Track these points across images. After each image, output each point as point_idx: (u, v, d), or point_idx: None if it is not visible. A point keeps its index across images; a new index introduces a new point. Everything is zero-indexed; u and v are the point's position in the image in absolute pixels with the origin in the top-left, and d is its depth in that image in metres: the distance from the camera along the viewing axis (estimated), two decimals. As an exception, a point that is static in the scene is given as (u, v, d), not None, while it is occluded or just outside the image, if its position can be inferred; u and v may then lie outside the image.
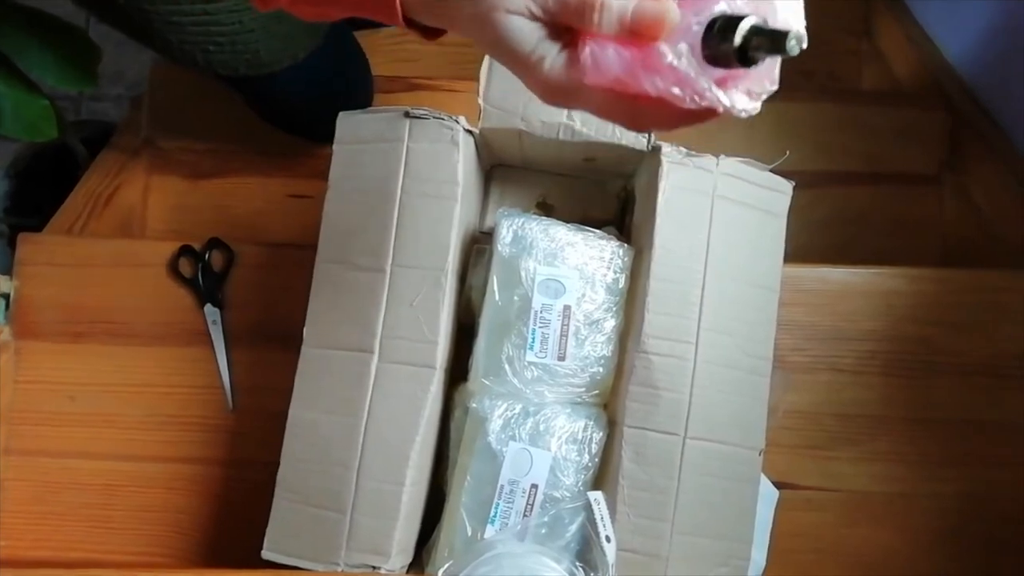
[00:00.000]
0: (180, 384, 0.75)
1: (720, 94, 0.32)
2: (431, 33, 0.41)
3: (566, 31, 0.35)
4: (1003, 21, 0.88)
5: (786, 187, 0.66)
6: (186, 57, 0.73)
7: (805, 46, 0.30)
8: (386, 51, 1.06)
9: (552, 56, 0.35)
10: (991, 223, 0.88)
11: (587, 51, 0.34)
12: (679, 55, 0.32)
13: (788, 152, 0.65)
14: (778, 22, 0.32)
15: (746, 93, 0.34)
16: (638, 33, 0.33)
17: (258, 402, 0.74)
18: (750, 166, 0.65)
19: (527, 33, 0.35)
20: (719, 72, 0.33)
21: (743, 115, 0.34)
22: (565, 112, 0.67)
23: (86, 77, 0.77)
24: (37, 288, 0.76)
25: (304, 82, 0.83)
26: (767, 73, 0.34)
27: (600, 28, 0.33)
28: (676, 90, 0.33)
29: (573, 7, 0.34)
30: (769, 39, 0.31)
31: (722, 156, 0.64)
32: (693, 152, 0.64)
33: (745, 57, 0.32)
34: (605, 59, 0.34)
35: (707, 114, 0.34)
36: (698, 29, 0.32)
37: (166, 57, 0.75)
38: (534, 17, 0.35)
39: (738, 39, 0.31)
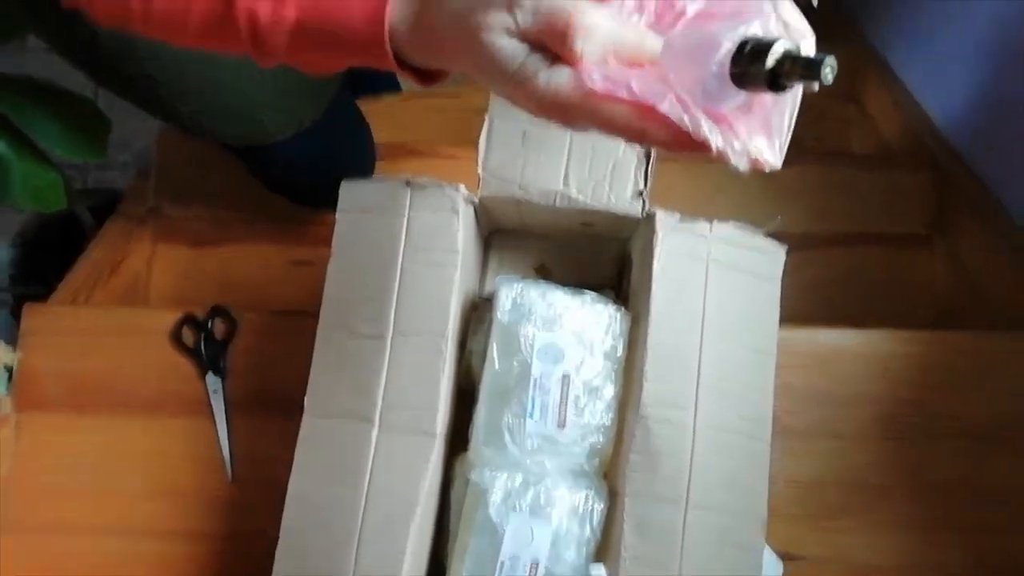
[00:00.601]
0: (179, 455, 0.75)
1: (729, 139, 0.32)
2: (427, 78, 0.41)
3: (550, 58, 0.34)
4: (987, 85, 0.91)
5: (779, 251, 0.67)
6: (194, 126, 0.75)
7: (835, 75, 0.30)
8: (388, 118, 1.09)
9: (544, 70, 0.34)
10: (982, 284, 0.89)
11: (590, 69, 0.33)
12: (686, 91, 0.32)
13: (780, 216, 0.66)
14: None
15: (765, 138, 0.33)
16: (622, 60, 0.33)
17: (258, 472, 0.74)
18: (743, 231, 0.66)
19: (511, 51, 0.34)
20: (738, 98, 0.32)
21: (769, 164, 0.33)
22: (561, 180, 0.68)
23: (96, 148, 0.79)
24: (41, 358, 0.76)
25: (307, 150, 0.86)
26: (779, 119, 0.33)
27: (583, 55, 0.33)
28: (686, 119, 0.32)
29: (557, 31, 0.33)
30: (804, 65, 0.30)
31: (715, 221, 0.65)
32: (687, 218, 0.65)
33: (776, 82, 0.31)
34: (613, 70, 0.33)
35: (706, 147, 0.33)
36: (726, 49, 0.31)
37: (174, 126, 0.77)
38: (516, 35, 0.34)
39: (771, 61, 0.30)
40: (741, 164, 0.33)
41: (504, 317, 0.65)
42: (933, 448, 0.73)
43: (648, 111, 0.33)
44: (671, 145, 0.33)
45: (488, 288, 0.78)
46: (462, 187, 0.66)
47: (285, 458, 0.62)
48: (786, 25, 0.33)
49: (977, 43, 0.90)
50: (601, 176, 0.68)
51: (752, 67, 0.31)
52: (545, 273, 0.79)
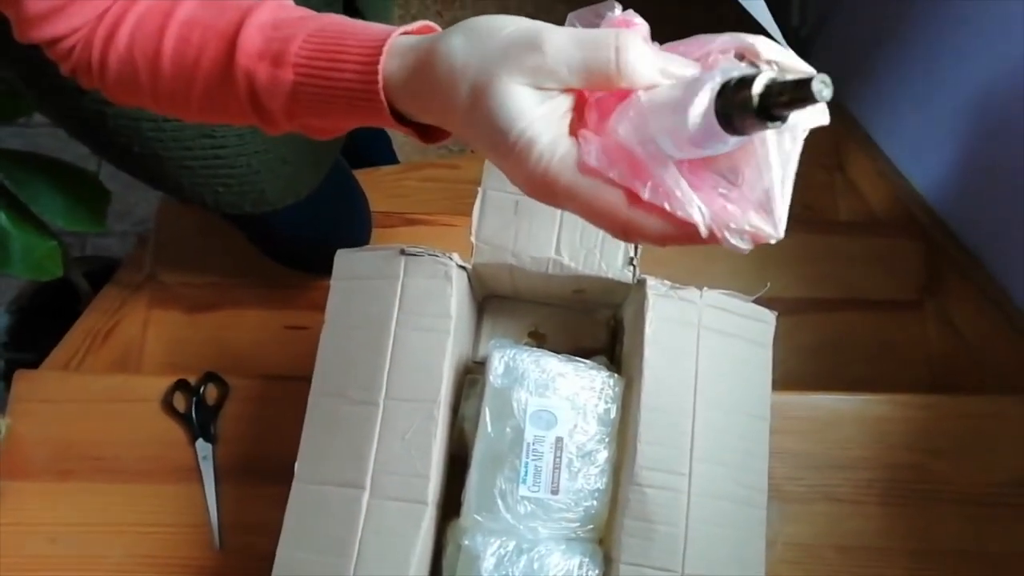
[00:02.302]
0: (167, 523, 0.73)
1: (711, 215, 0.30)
2: (429, 135, 0.40)
3: (561, 123, 0.32)
4: (967, 154, 0.93)
5: (769, 318, 0.68)
6: (196, 197, 0.77)
7: (831, 90, 0.27)
8: (385, 188, 1.12)
9: (544, 143, 0.32)
10: (974, 348, 0.90)
11: (591, 146, 0.31)
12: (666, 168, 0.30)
13: (769, 284, 0.67)
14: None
15: (762, 211, 0.30)
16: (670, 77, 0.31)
17: (247, 541, 0.72)
18: (733, 297, 0.67)
19: (523, 109, 0.32)
20: (727, 143, 0.29)
21: (771, 238, 0.30)
22: (553, 247, 0.70)
23: (95, 220, 0.80)
24: (29, 426, 0.75)
25: (305, 219, 0.87)
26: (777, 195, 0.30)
27: (641, 76, 0.31)
28: (667, 205, 0.30)
29: (600, 61, 0.30)
30: (792, 87, 0.27)
31: (705, 288, 0.66)
32: (677, 284, 0.66)
33: (768, 113, 0.28)
34: (609, 153, 0.31)
35: (695, 237, 0.31)
36: (710, 87, 0.29)
37: (176, 198, 0.79)
38: (552, 88, 0.32)
39: (758, 87, 0.28)
40: (741, 244, 0.31)
41: (497, 381, 0.65)
42: (931, 512, 0.73)
43: (636, 199, 0.31)
44: (658, 239, 0.32)
45: (482, 352, 0.78)
46: (456, 255, 0.67)
47: (275, 526, 0.61)
48: (776, 65, 0.31)
49: (957, 113, 0.94)
50: (592, 244, 0.69)
51: (738, 100, 0.28)
52: (539, 338, 0.79)
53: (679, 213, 0.30)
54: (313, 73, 0.37)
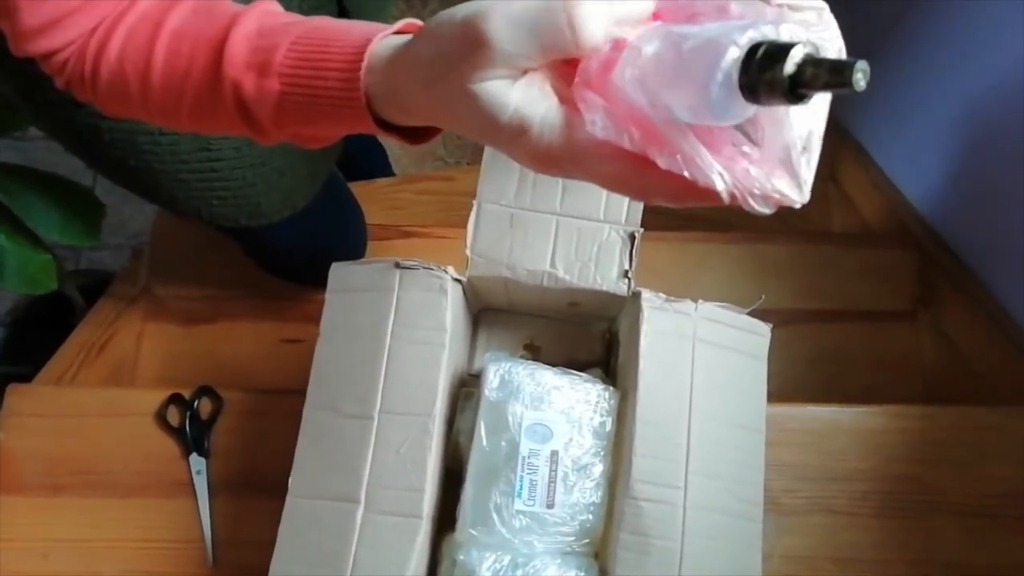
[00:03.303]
0: (159, 538, 0.73)
1: (722, 172, 0.27)
2: (413, 137, 0.39)
3: (546, 93, 0.31)
4: (959, 166, 0.94)
5: (764, 330, 0.68)
6: (191, 210, 0.77)
7: (867, 81, 0.25)
8: (380, 200, 1.12)
9: (538, 121, 0.30)
10: (968, 359, 0.90)
11: (595, 115, 0.29)
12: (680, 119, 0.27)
13: (763, 296, 0.67)
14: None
15: (786, 175, 0.28)
16: (626, 22, 0.29)
17: (241, 556, 0.72)
18: (728, 310, 0.67)
19: (500, 98, 0.30)
20: (747, 111, 0.27)
21: (795, 203, 0.28)
22: (548, 260, 0.70)
23: (90, 233, 0.80)
24: (21, 440, 0.75)
25: (300, 231, 0.87)
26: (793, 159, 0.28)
27: (590, 36, 0.28)
28: (679, 163, 0.27)
29: (546, 34, 0.28)
30: (830, 69, 0.25)
31: (700, 300, 0.66)
32: (672, 297, 0.66)
33: (796, 91, 0.26)
34: (616, 119, 0.29)
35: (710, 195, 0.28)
36: (735, 55, 0.26)
37: (171, 211, 0.79)
38: (505, 72, 0.30)
39: (790, 67, 0.25)
40: (764, 208, 0.28)
41: (492, 395, 0.65)
42: (928, 524, 0.73)
43: (649, 164, 0.29)
44: (676, 199, 0.30)
45: (477, 366, 0.78)
46: (451, 267, 0.67)
47: (268, 541, 0.61)
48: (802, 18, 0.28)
49: (950, 125, 0.94)
50: (587, 257, 0.69)
51: (767, 74, 0.25)
52: (534, 351, 0.79)
53: (700, 181, 0.28)
54: (298, 82, 0.37)
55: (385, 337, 0.64)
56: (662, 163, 0.28)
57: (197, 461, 0.74)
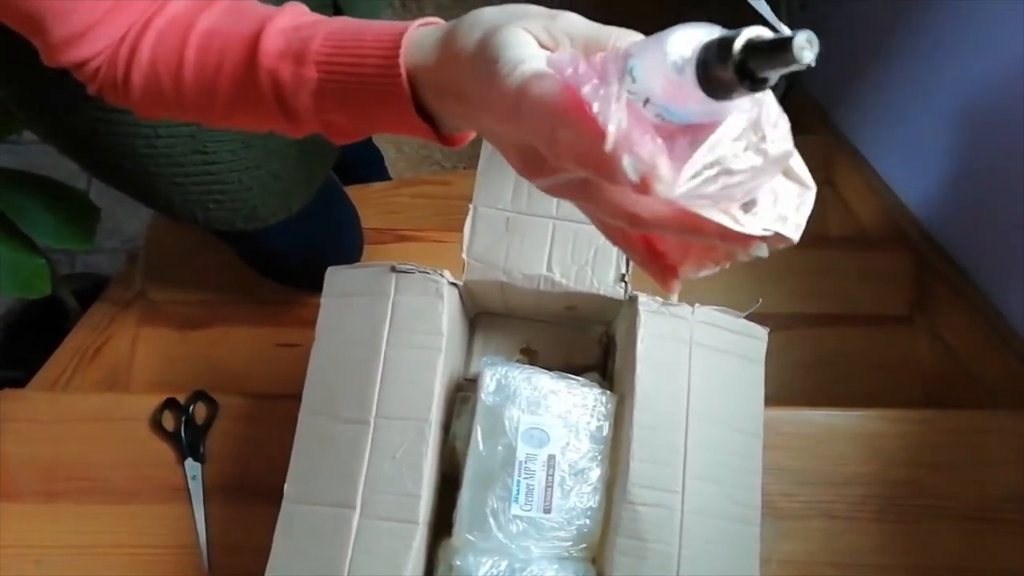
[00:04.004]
0: (154, 544, 0.72)
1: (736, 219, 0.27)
2: (450, 139, 0.40)
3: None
4: (956, 169, 0.94)
5: (761, 333, 0.68)
6: (187, 214, 0.76)
7: (815, 52, 0.24)
8: (376, 204, 1.11)
9: (523, 66, 0.30)
10: (965, 363, 0.90)
11: (566, 55, 0.29)
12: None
13: (760, 300, 0.67)
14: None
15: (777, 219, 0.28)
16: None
17: (236, 562, 0.72)
18: (725, 314, 0.67)
19: (517, 43, 0.31)
20: (710, 109, 0.27)
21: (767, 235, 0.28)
22: (545, 264, 0.69)
23: (84, 237, 0.80)
24: (15, 446, 0.74)
25: (296, 235, 0.87)
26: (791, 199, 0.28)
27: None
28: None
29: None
30: (771, 46, 0.25)
31: (697, 304, 0.66)
32: (669, 301, 0.66)
33: (748, 75, 0.26)
34: (576, 64, 0.28)
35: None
36: (693, 49, 0.26)
37: (167, 215, 0.78)
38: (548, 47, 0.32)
39: (738, 45, 0.25)
40: (632, 175, 0.27)
41: (488, 399, 0.64)
42: (927, 528, 0.72)
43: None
44: (574, 156, 0.28)
45: (473, 369, 0.77)
46: (447, 272, 0.66)
47: (264, 546, 0.60)
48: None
49: (947, 128, 0.94)
50: (584, 261, 0.69)
51: (719, 64, 0.26)
52: (531, 355, 0.79)
53: (599, 119, 0.27)
54: (336, 68, 0.38)
55: (381, 341, 0.64)
56: (585, 90, 0.27)
57: (192, 466, 0.74)
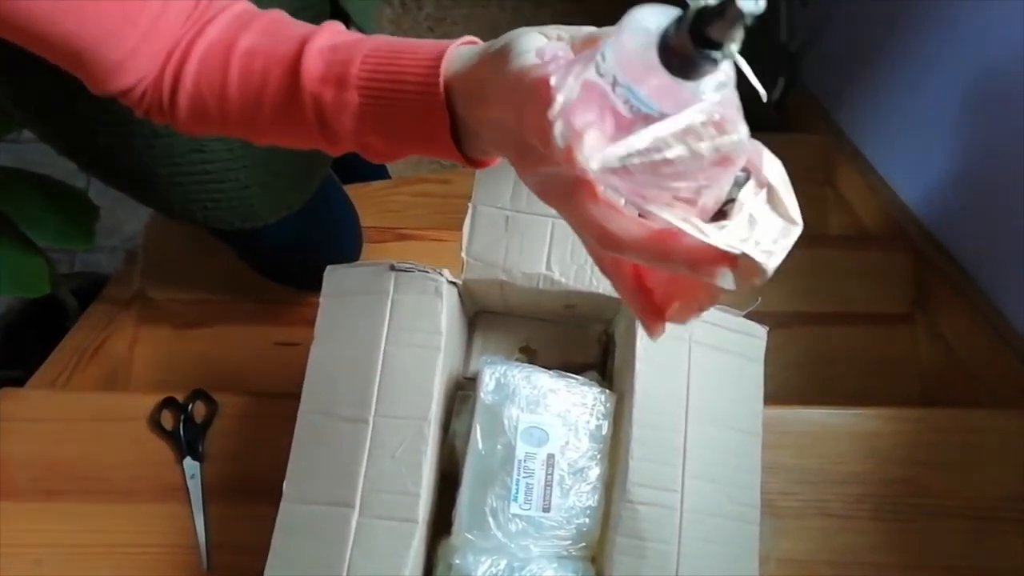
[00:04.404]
0: (153, 543, 0.72)
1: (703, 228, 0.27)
2: (477, 163, 0.42)
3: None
4: (956, 168, 0.94)
5: (760, 332, 0.68)
6: (185, 214, 0.76)
7: (759, 3, 0.25)
8: (375, 202, 1.11)
9: (528, 55, 0.32)
10: (965, 362, 0.90)
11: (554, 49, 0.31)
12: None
13: (760, 298, 0.67)
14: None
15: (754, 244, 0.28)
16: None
17: (235, 561, 0.71)
18: (724, 312, 0.67)
19: (529, 44, 0.33)
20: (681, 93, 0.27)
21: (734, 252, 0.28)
22: (544, 263, 0.69)
23: (84, 236, 0.80)
24: (15, 445, 0.74)
25: (295, 234, 0.87)
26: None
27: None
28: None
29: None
30: (717, 9, 0.25)
31: (697, 303, 0.66)
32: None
33: (704, 39, 0.26)
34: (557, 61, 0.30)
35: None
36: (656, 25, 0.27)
37: (165, 215, 0.78)
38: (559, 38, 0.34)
39: (692, 9, 0.26)
40: (559, 141, 0.28)
41: (488, 398, 0.64)
42: (925, 527, 0.72)
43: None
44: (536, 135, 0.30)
45: (473, 368, 0.77)
46: (446, 270, 0.66)
47: (263, 545, 0.60)
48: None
49: (947, 127, 0.94)
50: (583, 259, 0.69)
51: (676, 33, 0.26)
52: (530, 354, 0.79)
53: (552, 91, 0.28)
54: (376, 87, 0.39)
55: (380, 340, 0.64)
56: (552, 81, 0.28)
57: (191, 465, 0.74)
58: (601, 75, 0.28)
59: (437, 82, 0.37)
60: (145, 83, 0.43)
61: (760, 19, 0.27)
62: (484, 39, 0.39)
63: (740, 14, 0.25)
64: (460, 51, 0.38)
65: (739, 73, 0.28)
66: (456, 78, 0.38)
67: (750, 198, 0.30)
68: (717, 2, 0.25)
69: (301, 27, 0.42)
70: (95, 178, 0.74)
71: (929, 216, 1.00)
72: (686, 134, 0.27)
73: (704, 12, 0.26)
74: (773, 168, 0.31)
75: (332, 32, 0.42)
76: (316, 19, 0.72)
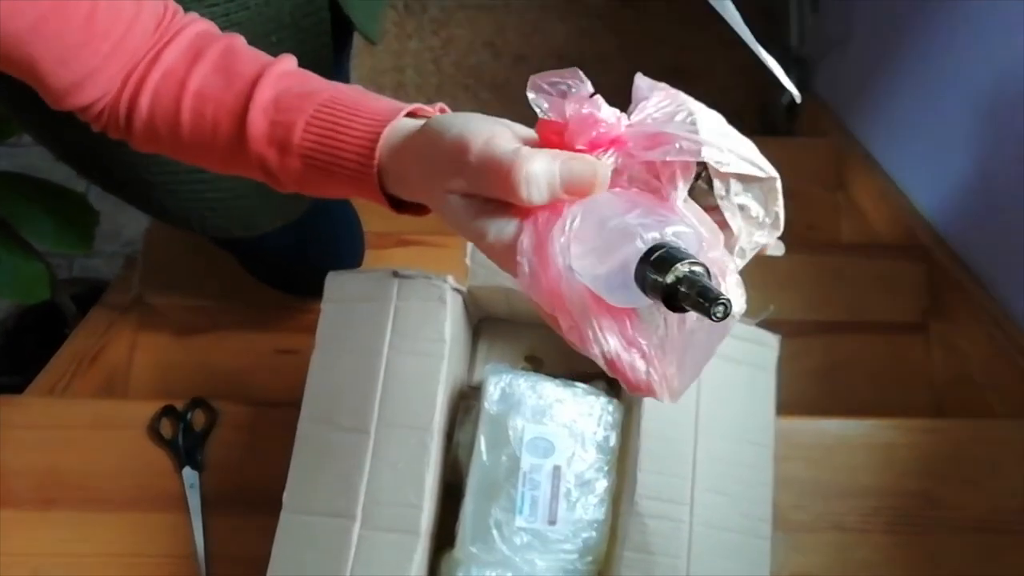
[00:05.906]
0: (151, 553, 0.71)
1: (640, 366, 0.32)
2: (416, 209, 0.44)
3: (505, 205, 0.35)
4: (970, 176, 0.93)
5: (773, 341, 0.66)
6: (182, 222, 0.76)
7: (734, 317, 0.28)
8: (377, 208, 1.10)
9: (494, 225, 0.35)
10: (979, 371, 0.88)
11: (523, 260, 0.33)
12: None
13: (772, 307, 0.66)
14: (725, 286, 0.31)
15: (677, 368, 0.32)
16: (573, 192, 0.33)
17: (234, 573, 0.70)
18: (735, 321, 0.65)
19: (465, 210, 0.36)
20: (639, 300, 0.31)
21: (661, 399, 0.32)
22: (551, 269, 0.68)
23: (83, 241, 0.79)
24: (13, 453, 0.74)
25: (295, 241, 0.86)
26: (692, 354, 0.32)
27: (532, 200, 0.33)
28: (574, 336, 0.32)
29: (499, 186, 0.34)
30: (699, 292, 0.28)
31: (706, 312, 0.65)
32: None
33: (671, 300, 0.29)
34: (536, 270, 0.33)
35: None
36: (638, 248, 0.30)
37: (163, 221, 0.77)
38: (466, 195, 0.36)
39: (671, 278, 0.29)
40: (635, 391, 0.33)
41: (492, 408, 0.63)
42: (939, 540, 0.71)
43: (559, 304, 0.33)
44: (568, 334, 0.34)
45: (477, 377, 0.76)
46: (450, 277, 0.65)
47: (263, 557, 0.59)
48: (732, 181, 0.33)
49: (960, 133, 0.93)
50: (590, 265, 0.68)
51: (653, 276, 0.29)
52: (536, 362, 0.78)
53: (590, 350, 0.33)
54: (317, 161, 0.42)
55: (382, 348, 0.63)
56: (563, 331, 0.33)
57: (190, 474, 0.72)
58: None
59: (372, 163, 0.40)
60: (103, 103, 0.45)
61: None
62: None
63: (708, 314, 0.28)
64: (397, 128, 0.41)
65: (769, 74, 0.29)
66: (391, 159, 0.40)
67: None
68: (696, 288, 0.28)
69: (251, 63, 0.44)
70: (93, 184, 0.73)
71: (943, 223, 0.98)
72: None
73: (683, 285, 0.29)
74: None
75: (280, 75, 0.43)
76: (318, 26, 0.71)
